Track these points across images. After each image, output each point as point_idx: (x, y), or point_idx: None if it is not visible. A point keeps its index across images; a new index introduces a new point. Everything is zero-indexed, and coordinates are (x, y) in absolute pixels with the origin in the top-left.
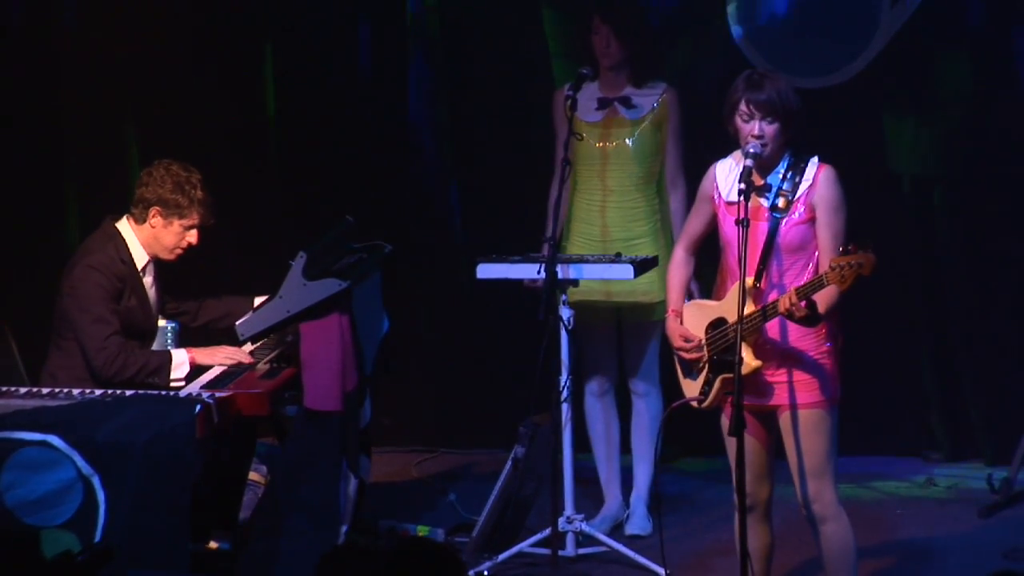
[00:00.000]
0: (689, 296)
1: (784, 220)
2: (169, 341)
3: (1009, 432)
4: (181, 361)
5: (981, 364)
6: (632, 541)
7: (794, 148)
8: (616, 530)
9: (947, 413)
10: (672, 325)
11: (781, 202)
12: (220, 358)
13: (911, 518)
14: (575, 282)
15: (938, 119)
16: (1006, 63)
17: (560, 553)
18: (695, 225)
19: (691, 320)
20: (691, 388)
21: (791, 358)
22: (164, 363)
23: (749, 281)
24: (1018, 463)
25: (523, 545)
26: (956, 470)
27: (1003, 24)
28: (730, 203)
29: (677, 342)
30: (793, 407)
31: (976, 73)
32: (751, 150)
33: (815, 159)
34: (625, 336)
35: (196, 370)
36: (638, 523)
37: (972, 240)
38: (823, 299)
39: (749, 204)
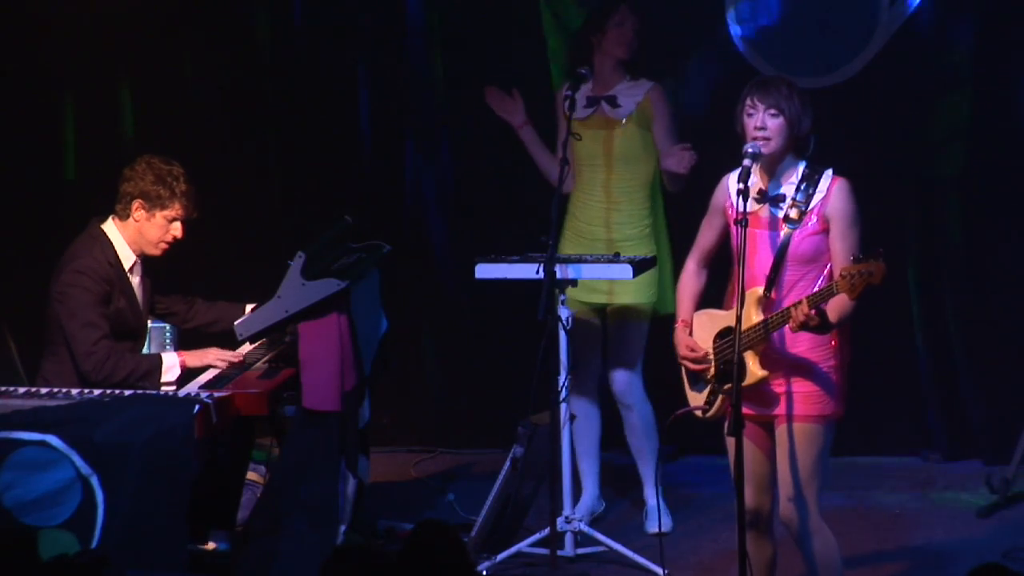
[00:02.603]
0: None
1: (797, 231)
2: (168, 342)
3: (1008, 432)
4: (171, 365)
5: (980, 364)
6: (632, 541)
7: (809, 160)
8: (595, 523)
9: (946, 413)
10: (680, 335)
11: (794, 213)
12: (211, 359)
13: (910, 518)
14: (574, 282)
15: (938, 119)
16: (1005, 62)
17: (559, 553)
18: (707, 238)
19: (700, 330)
20: (697, 398)
21: (798, 369)
22: (154, 367)
23: (760, 291)
24: (1016, 463)
25: (522, 545)
26: (955, 470)
27: (1003, 22)
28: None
29: (683, 351)
30: (792, 418)
31: (976, 72)
32: (750, 149)
33: (829, 171)
34: (610, 340)
35: (187, 373)
36: (658, 519)
37: (972, 240)
38: (836, 308)
39: (762, 214)
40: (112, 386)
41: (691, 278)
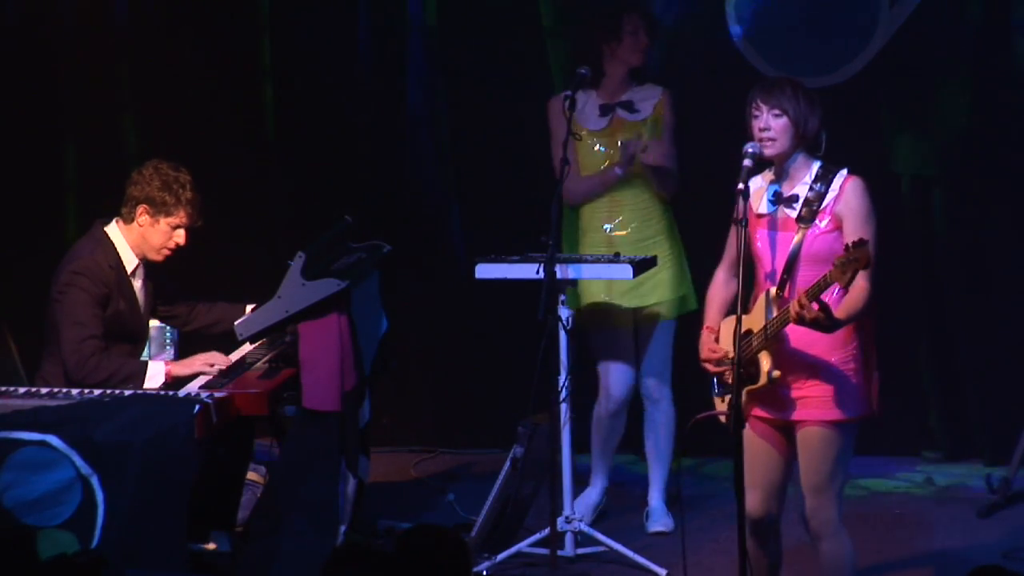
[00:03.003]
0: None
1: (809, 230)
2: (168, 343)
3: (1008, 432)
4: (156, 372)
5: (980, 364)
6: (632, 541)
7: (824, 159)
8: (596, 523)
9: (946, 413)
10: (704, 339)
11: (806, 212)
12: (198, 366)
13: (910, 518)
14: (574, 282)
15: (938, 119)
16: (1005, 62)
17: (559, 553)
18: (734, 246)
19: (726, 336)
20: (721, 404)
21: (815, 372)
22: (136, 372)
23: (774, 291)
24: (1017, 463)
25: (522, 545)
26: (955, 470)
27: (1002, 24)
28: (759, 215)
29: (705, 353)
30: (809, 423)
31: (975, 73)
32: (750, 149)
33: (844, 171)
34: (640, 339)
35: (175, 382)
36: (660, 520)
37: (971, 240)
38: (845, 305)
39: (776, 213)
40: (92, 386)
41: (720, 287)
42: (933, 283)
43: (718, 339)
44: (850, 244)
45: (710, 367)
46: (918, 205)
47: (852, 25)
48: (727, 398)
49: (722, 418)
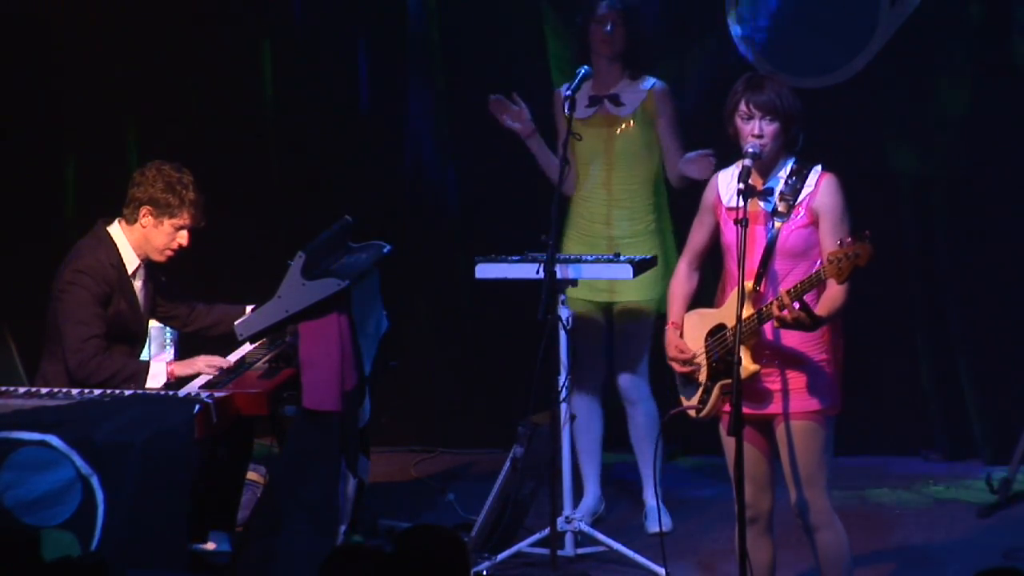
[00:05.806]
0: None
1: (785, 224)
2: (168, 343)
3: (1008, 432)
4: (158, 372)
5: (980, 364)
6: (632, 541)
7: (797, 154)
8: (596, 523)
9: (946, 413)
10: (670, 337)
11: (782, 206)
12: (200, 366)
13: (910, 518)
14: (574, 282)
15: (937, 119)
16: (1005, 62)
17: (559, 553)
18: (698, 238)
19: (691, 331)
20: (688, 400)
21: (790, 364)
22: (138, 371)
23: (748, 284)
24: (1017, 463)
25: (522, 545)
26: (955, 470)
27: (1002, 23)
28: (731, 208)
29: (672, 352)
30: (789, 416)
31: (975, 73)
32: (749, 149)
33: (818, 167)
34: (616, 338)
35: (177, 382)
36: (659, 519)
37: (971, 240)
38: (825, 302)
39: (750, 208)
40: (95, 386)
41: (683, 280)
42: (933, 283)
43: (682, 335)
44: (847, 239)
45: (677, 366)
46: (918, 205)
47: (852, 25)
48: (698, 390)
49: (691, 412)
